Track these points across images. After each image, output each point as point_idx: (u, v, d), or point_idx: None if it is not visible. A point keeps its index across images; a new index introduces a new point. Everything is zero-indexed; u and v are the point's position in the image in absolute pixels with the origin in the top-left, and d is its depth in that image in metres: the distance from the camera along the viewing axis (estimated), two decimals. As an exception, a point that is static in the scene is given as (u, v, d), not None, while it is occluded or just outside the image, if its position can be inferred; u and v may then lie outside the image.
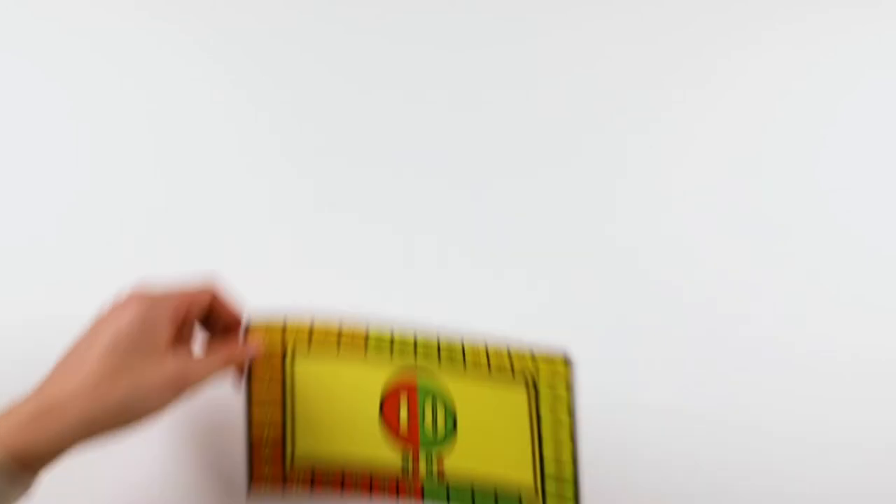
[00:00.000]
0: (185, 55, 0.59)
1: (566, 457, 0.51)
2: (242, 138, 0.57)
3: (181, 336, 0.49)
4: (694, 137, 0.57)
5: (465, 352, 0.52)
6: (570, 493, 0.51)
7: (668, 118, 0.58)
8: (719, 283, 0.55)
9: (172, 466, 0.56)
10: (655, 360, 0.53)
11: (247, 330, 0.52)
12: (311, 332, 0.53)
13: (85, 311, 0.48)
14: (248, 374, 0.54)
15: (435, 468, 0.53)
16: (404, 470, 0.54)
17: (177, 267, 0.53)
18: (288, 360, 0.53)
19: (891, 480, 0.52)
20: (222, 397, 0.55)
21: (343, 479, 0.54)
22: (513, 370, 0.51)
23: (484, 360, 0.52)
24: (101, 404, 0.44)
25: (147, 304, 0.45)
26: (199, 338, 0.51)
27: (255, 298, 0.51)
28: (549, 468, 0.52)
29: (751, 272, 0.55)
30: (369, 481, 0.54)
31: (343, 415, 0.54)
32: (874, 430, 0.53)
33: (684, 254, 0.55)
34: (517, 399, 0.52)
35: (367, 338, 0.53)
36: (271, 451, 0.54)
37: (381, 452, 0.54)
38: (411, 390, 0.53)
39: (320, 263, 0.56)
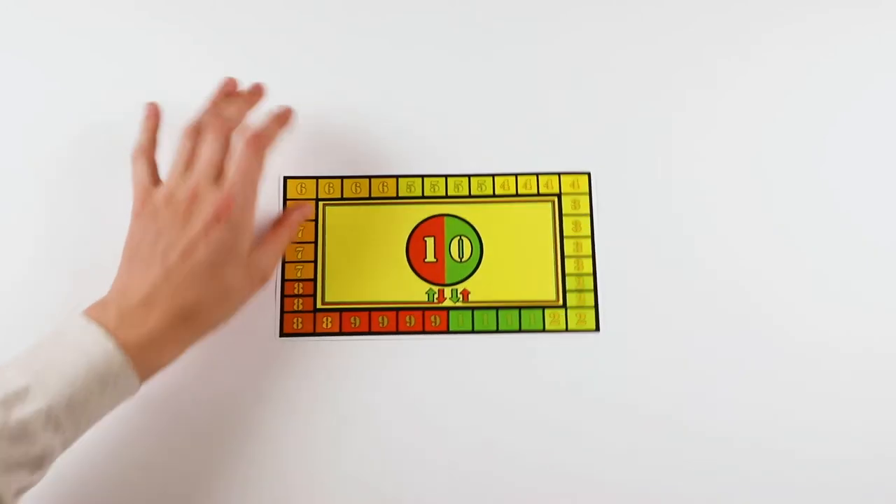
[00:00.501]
0: (184, 55, 0.60)
1: (587, 269, 0.57)
2: None
3: None
4: (694, 138, 0.58)
5: (496, 182, 0.58)
6: (590, 302, 0.56)
7: (669, 118, 0.59)
8: (720, 282, 0.56)
9: None
10: (657, 358, 0.54)
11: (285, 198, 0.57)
12: (342, 182, 0.58)
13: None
14: None
15: (460, 297, 0.55)
16: (430, 301, 0.55)
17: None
18: (321, 205, 0.57)
19: (891, 480, 0.53)
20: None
21: (370, 315, 0.55)
22: (539, 190, 0.58)
23: (513, 187, 0.58)
24: (193, 301, 0.47)
25: (235, 225, 0.49)
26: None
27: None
28: (571, 283, 0.56)
29: (752, 272, 0.56)
30: (396, 315, 0.55)
31: (372, 255, 0.56)
32: (876, 428, 0.53)
33: (685, 253, 0.56)
34: (542, 214, 0.57)
35: (397, 183, 0.58)
36: (303, 289, 0.55)
37: (408, 290, 0.56)
38: (439, 233, 0.57)
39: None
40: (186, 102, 0.57)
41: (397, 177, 0.57)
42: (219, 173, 0.49)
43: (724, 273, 0.56)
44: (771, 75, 0.60)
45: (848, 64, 0.60)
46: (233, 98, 0.54)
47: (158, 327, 0.45)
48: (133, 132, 0.55)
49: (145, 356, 0.45)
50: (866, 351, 0.54)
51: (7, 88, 0.59)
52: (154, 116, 0.54)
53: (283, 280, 0.55)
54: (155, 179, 0.51)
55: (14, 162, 0.57)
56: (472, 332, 0.54)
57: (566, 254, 0.55)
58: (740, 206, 0.57)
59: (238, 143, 0.50)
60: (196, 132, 0.51)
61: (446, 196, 0.57)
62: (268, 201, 0.57)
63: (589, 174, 0.57)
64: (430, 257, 0.55)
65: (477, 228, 0.56)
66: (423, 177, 0.57)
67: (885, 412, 0.53)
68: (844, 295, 0.55)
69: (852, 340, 0.54)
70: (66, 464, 0.48)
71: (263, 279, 0.51)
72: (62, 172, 0.57)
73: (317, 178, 0.57)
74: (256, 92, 0.54)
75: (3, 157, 0.58)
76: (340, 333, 0.54)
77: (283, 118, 0.53)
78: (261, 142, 0.50)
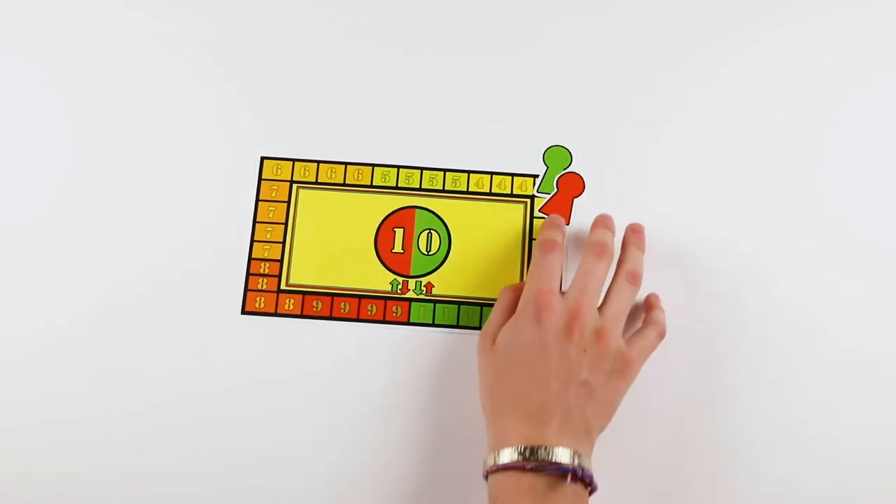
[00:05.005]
0: (183, 56, 0.60)
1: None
2: (239, 137, 0.58)
3: None
4: (681, 141, 0.58)
5: (470, 179, 0.58)
6: None
7: (669, 118, 0.58)
8: (720, 282, 0.56)
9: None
10: (658, 358, 0.53)
11: (260, 177, 0.57)
12: (318, 167, 0.58)
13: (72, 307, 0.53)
14: (256, 196, 0.57)
15: (424, 290, 0.55)
16: (393, 291, 0.55)
17: (174, 266, 0.56)
18: (294, 187, 0.57)
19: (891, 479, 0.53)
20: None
21: (333, 300, 0.55)
22: (512, 190, 0.58)
23: (487, 185, 0.58)
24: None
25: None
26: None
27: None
28: None
29: (755, 271, 0.56)
30: (358, 302, 0.55)
31: (340, 242, 0.56)
32: (877, 426, 0.53)
33: (686, 253, 0.56)
34: (513, 215, 0.57)
35: (372, 172, 0.58)
36: (268, 269, 0.56)
37: (373, 278, 0.56)
38: (409, 225, 0.57)
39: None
40: (186, 102, 0.58)
41: (373, 165, 0.57)
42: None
43: (698, 276, 0.56)
44: (770, 76, 0.60)
45: (848, 64, 0.60)
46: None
47: None
48: (133, 132, 0.57)
49: None
50: (865, 350, 0.54)
51: (6, 89, 0.59)
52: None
53: (250, 259, 0.55)
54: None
55: (14, 162, 0.58)
56: (433, 325, 0.54)
57: (534, 255, 0.55)
58: (734, 209, 0.57)
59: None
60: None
61: (420, 188, 0.57)
62: (243, 180, 0.57)
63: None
64: (398, 248, 0.56)
65: (447, 223, 0.56)
66: (398, 167, 0.57)
67: (884, 411, 0.53)
68: (843, 295, 0.55)
69: (850, 339, 0.55)
70: (28, 441, 0.48)
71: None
72: (62, 173, 0.57)
73: (293, 160, 0.57)
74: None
75: (4, 158, 0.58)
76: (301, 316, 0.54)
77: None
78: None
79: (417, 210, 0.56)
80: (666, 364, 0.54)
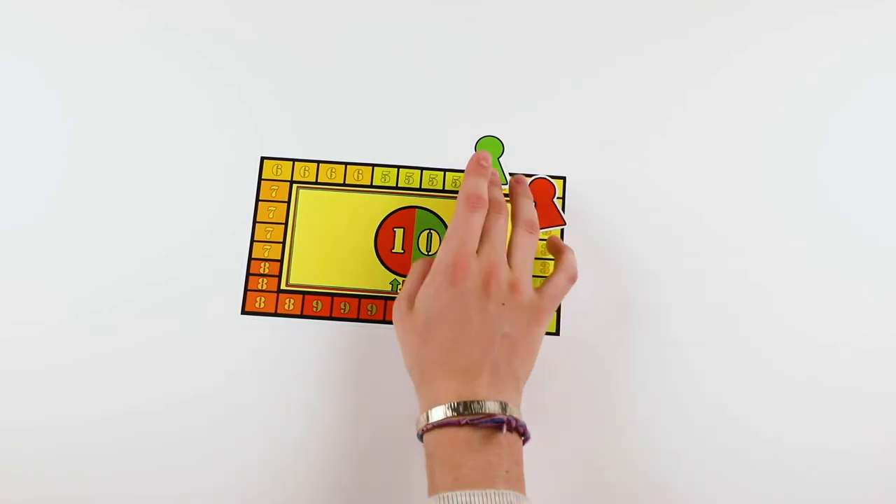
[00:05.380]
0: (183, 56, 0.60)
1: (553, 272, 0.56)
2: (240, 137, 0.58)
3: None
4: (679, 143, 0.58)
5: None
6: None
7: (669, 118, 0.59)
8: (722, 278, 0.56)
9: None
10: (617, 365, 0.54)
11: (260, 177, 0.57)
12: (318, 167, 0.58)
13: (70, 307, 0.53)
14: (256, 196, 0.57)
15: None
16: (393, 291, 0.55)
17: (175, 266, 0.56)
18: (294, 187, 0.57)
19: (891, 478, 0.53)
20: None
21: (333, 300, 0.55)
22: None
23: (487, 185, 0.58)
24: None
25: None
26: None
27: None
28: (535, 285, 0.56)
29: (756, 268, 0.56)
30: (358, 302, 0.55)
31: (341, 242, 0.56)
32: (878, 425, 0.54)
33: (656, 261, 0.56)
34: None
35: (372, 172, 0.58)
36: (268, 269, 0.56)
37: (373, 278, 0.56)
38: (409, 225, 0.57)
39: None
40: (186, 103, 0.58)
41: (373, 165, 0.57)
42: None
43: (695, 284, 0.56)
44: (770, 76, 0.60)
45: (848, 65, 0.60)
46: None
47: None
48: (132, 132, 0.57)
49: None
50: (863, 348, 0.55)
51: (6, 90, 0.59)
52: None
53: (250, 259, 0.55)
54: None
55: (14, 163, 0.58)
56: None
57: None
58: (734, 209, 0.57)
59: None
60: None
61: (420, 188, 0.57)
62: (243, 180, 0.57)
63: (564, 178, 0.57)
64: (398, 248, 0.56)
65: (447, 223, 0.56)
66: (398, 167, 0.57)
67: (882, 410, 0.53)
68: (843, 295, 0.56)
69: (855, 335, 0.55)
70: (28, 441, 0.48)
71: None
72: (62, 173, 0.57)
73: (293, 160, 0.57)
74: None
75: (3, 158, 0.58)
76: (301, 316, 0.54)
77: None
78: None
79: (418, 210, 0.56)
80: (666, 364, 0.54)
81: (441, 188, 0.57)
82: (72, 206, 0.56)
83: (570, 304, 0.55)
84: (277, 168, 0.57)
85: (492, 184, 0.53)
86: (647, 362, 0.54)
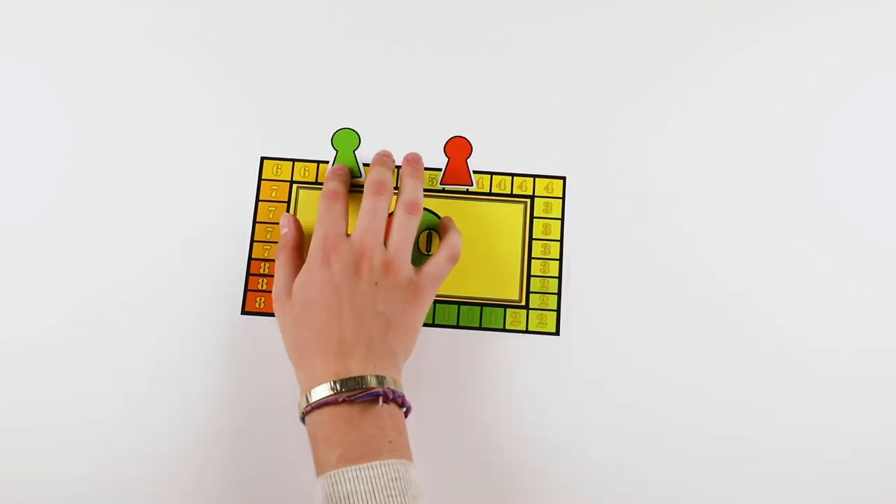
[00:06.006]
0: (183, 56, 0.60)
1: (553, 272, 0.56)
2: (240, 137, 0.58)
3: None
4: (680, 145, 0.58)
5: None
6: (553, 304, 0.55)
7: (653, 127, 0.59)
8: (723, 279, 0.56)
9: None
10: (616, 366, 0.54)
11: (260, 178, 0.57)
12: (318, 167, 0.58)
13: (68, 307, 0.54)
14: (256, 196, 0.57)
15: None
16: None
17: (174, 267, 0.56)
18: (294, 188, 0.57)
19: (891, 478, 0.53)
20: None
21: None
22: (512, 190, 0.58)
23: (487, 185, 0.58)
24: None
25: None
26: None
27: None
28: (535, 285, 0.56)
29: (755, 268, 0.56)
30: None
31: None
32: (878, 425, 0.53)
33: (655, 262, 0.56)
34: (513, 214, 0.57)
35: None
36: (268, 269, 0.56)
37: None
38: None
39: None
40: (186, 103, 0.58)
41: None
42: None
43: (696, 286, 0.56)
44: (770, 76, 0.60)
45: (848, 65, 0.60)
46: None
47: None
48: (132, 133, 0.57)
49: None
50: (864, 349, 0.55)
51: (6, 90, 0.59)
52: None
53: (250, 259, 0.55)
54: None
55: (14, 162, 0.58)
56: (433, 325, 0.54)
57: (533, 255, 0.55)
58: (734, 209, 0.57)
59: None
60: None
61: (419, 189, 0.57)
62: (243, 181, 0.57)
63: (564, 178, 0.57)
64: (398, 248, 0.55)
65: None
66: (398, 168, 0.57)
67: (882, 411, 0.53)
68: (843, 295, 0.55)
69: (854, 337, 0.55)
70: (28, 441, 0.49)
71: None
72: (62, 174, 0.57)
73: (293, 160, 0.57)
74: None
75: (4, 158, 0.58)
76: (301, 316, 0.54)
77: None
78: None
79: None
80: (665, 364, 0.54)
81: (440, 188, 0.57)
82: (72, 206, 0.56)
83: (570, 305, 0.54)
84: (277, 168, 0.57)
85: (381, 164, 0.54)
86: (646, 362, 0.54)
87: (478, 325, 0.54)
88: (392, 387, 0.45)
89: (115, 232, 0.56)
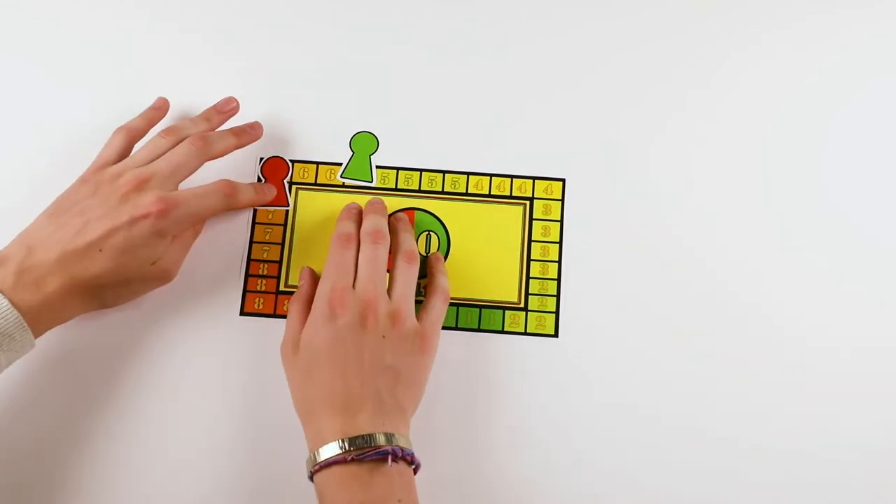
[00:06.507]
0: (183, 56, 0.60)
1: (552, 274, 0.56)
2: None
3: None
4: (681, 148, 0.58)
5: (469, 181, 0.59)
6: (551, 307, 0.56)
7: (653, 130, 0.58)
8: (722, 281, 0.56)
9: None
10: (614, 368, 0.54)
11: (260, 179, 0.57)
12: (317, 168, 0.58)
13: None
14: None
15: (422, 291, 0.55)
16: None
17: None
18: (293, 188, 0.57)
19: (892, 479, 0.52)
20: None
21: None
22: (512, 192, 0.58)
23: (486, 186, 0.58)
24: (92, 279, 0.48)
25: (164, 222, 0.49)
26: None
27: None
28: (534, 287, 0.56)
29: (756, 270, 0.56)
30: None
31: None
32: (878, 425, 0.53)
33: (654, 264, 0.56)
34: (512, 216, 0.57)
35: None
36: (267, 270, 0.56)
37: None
38: (407, 227, 0.57)
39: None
40: (186, 103, 0.58)
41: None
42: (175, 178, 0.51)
43: (695, 287, 0.56)
44: (770, 76, 0.60)
45: (848, 65, 0.60)
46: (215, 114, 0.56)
47: (56, 294, 0.46)
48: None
49: (41, 317, 0.46)
50: (864, 349, 0.55)
51: (6, 90, 0.59)
52: (158, 110, 0.55)
53: (249, 260, 0.55)
54: (119, 158, 0.52)
55: (14, 163, 0.58)
56: (432, 326, 0.54)
57: (532, 257, 0.55)
58: (734, 209, 0.57)
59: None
60: (173, 132, 0.52)
61: (419, 190, 0.57)
62: (243, 181, 0.57)
63: (564, 180, 0.57)
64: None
65: (446, 225, 0.56)
66: (397, 169, 0.57)
67: (882, 411, 0.53)
68: (844, 295, 0.55)
69: (855, 337, 0.55)
70: (27, 441, 0.50)
71: (164, 279, 0.52)
72: (62, 173, 0.57)
73: (292, 161, 0.57)
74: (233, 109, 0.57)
75: (3, 159, 0.58)
76: (301, 317, 0.54)
77: (243, 133, 0.55)
78: (205, 145, 0.52)
79: (417, 212, 0.56)
80: (665, 365, 0.54)
81: (440, 189, 0.57)
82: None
83: (569, 307, 0.54)
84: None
85: (374, 212, 0.53)
86: (646, 363, 0.54)
87: (476, 327, 0.54)
88: (402, 444, 0.44)
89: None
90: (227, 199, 0.52)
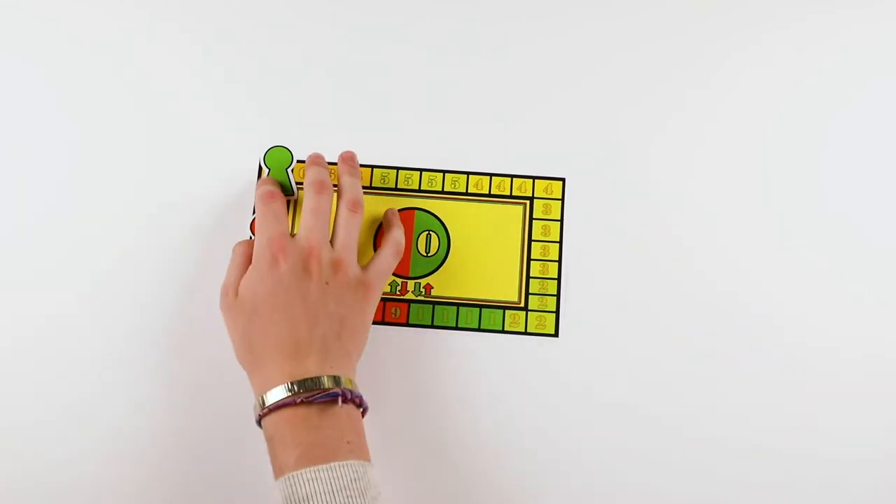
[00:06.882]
0: (183, 56, 0.60)
1: (552, 273, 0.56)
2: (240, 138, 0.58)
3: None
4: (680, 148, 0.58)
5: (469, 181, 0.58)
6: (551, 306, 0.56)
7: (669, 118, 0.58)
8: (722, 281, 0.56)
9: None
10: (614, 368, 0.54)
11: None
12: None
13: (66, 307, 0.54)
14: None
15: (423, 291, 0.55)
16: (392, 293, 0.55)
17: (175, 267, 0.56)
18: (295, 188, 0.56)
19: (891, 479, 0.53)
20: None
21: None
22: (512, 191, 0.58)
23: (486, 186, 0.58)
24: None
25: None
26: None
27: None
28: (534, 286, 0.56)
29: (756, 270, 0.56)
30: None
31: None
32: (878, 427, 0.53)
33: (653, 264, 0.56)
34: (512, 216, 0.57)
35: (371, 173, 0.58)
36: None
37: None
38: (408, 226, 0.56)
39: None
40: (187, 103, 0.58)
41: (372, 167, 0.58)
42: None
43: (695, 287, 0.56)
44: (770, 76, 0.60)
45: (848, 65, 0.60)
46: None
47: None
48: (133, 133, 0.58)
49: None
50: (864, 349, 0.55)
51: (6, 89, 0.59)
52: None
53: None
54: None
55: (15, 162, 0.58)
56: (432, 326, 0.55)
57: (532, 257, 0.55)
58: (734, 209, 0.57)
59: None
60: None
61: (419, 190, 0.57)
62: (243, 181, 0.57)
63: (564, 180, 0.57)
64: (397, 249, 0.55)
65: (446, 224, 0.56)
66: (397, 169, 0.57)
67: (882, 412, 0.53)
68: (843, 295, 0.55)
69: (855, 338, 0.55)
70: (27, 441, 0.50)
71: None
72: (63, 173, 0.57)
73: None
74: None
75: (3, 159, 0.58)
76: (301, 317, 0.54)
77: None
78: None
79: (417, 211, 0.56)
80: (665, 365, 0.54)
81: (440, 189, 0.57)
82: (72, 206, 0.57)
83: (569, 307, 0.54)
84: (277, 169, 0.57)
85: (316, 163, 0.53)
86: (646, 364, 0.54)
87: (476, 327, 0.54)
88: (349, 387, 0.45)
89: (116, 232, 0.56)
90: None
